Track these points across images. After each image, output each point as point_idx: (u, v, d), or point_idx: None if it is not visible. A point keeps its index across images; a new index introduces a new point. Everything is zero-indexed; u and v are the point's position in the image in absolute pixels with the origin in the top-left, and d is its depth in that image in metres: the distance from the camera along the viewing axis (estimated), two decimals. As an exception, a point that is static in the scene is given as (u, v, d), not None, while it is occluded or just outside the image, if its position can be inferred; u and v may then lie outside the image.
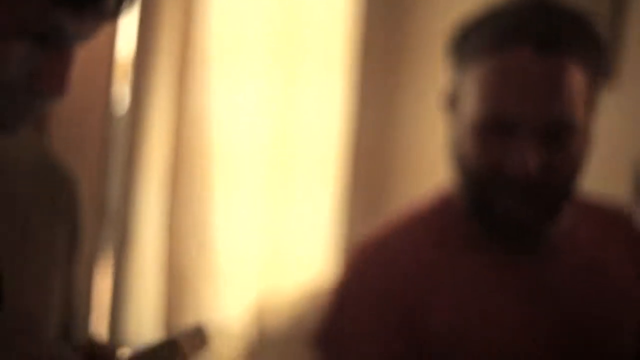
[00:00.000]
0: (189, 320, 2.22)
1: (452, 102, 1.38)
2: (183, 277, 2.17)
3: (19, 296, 1.14)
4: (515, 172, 1.25)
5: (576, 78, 1.28)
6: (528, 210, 1.27)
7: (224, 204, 2.32)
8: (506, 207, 1.27)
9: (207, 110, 2.14)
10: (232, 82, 2.30)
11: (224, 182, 2.32)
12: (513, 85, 1.27)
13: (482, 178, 1.29)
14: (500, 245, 1.34)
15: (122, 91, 2.03)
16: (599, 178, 2.84)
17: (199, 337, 1.05)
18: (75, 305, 1.32)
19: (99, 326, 2.05)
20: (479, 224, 1.32)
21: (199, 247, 2.19)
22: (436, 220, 1.37)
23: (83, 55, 1.83)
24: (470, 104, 1.31)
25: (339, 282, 1.34)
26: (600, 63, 1.31)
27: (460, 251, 1.34)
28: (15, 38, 0.99)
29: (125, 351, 1.11)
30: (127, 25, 2.01)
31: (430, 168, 3.16)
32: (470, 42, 1.35)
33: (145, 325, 2.08)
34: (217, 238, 2.26)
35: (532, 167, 1.24)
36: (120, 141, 2.06)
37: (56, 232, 1.23)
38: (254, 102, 2.43)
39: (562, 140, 1.28)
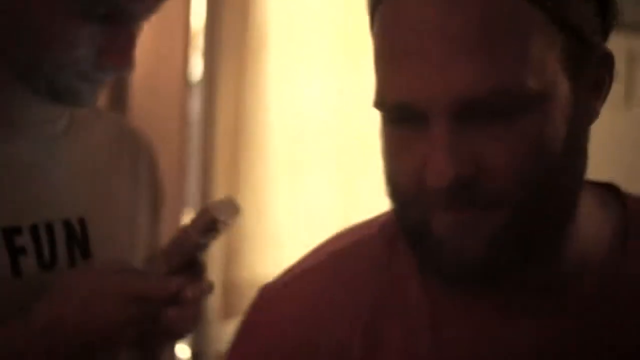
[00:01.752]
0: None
1: None
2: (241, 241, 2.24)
3: (104, 245, 1.25)
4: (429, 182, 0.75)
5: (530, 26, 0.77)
6: (474, 240, 0.77)
7: (285, 180, 2.36)
8: (439, 236, 0.78)
9: (269, 88, 2.21)
10: (292, 62, 2.34)
11: (285, 159, 2.37)
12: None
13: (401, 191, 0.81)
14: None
15: (196, 59, 2.10)
16: None
17: (230, 205, 1.11)
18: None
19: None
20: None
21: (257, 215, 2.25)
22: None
23: (159, 26, 1.90)
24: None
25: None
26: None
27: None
28: (82, 19, 1.09)
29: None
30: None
31: None
32: None
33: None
34: (275, 208, 2.31)
35: (445, 170, 0.74)
36: (196, 107, 2.15)
37: (138, 194, 1.36)
38: (315, 83, 2.46)
39: (509, 118, 0.75)
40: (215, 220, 1.09)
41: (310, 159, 2.50)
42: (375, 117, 0.86)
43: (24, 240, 1.16)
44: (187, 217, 2.15)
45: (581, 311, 0.82)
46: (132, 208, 1.34)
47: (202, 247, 1.12)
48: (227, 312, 2.21)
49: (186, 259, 1.11)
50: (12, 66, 1.15)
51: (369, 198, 2.76)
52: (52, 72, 1.12)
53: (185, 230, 1.12)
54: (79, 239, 1.22)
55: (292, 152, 2.43)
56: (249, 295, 2.20)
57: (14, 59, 1.14)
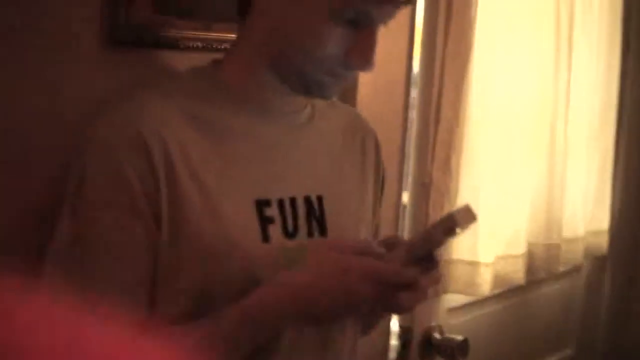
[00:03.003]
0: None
1: None
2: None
3: (337, 222, 1.42)
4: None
5: None
6: None
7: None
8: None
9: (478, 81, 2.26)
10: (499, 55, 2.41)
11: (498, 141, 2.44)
12: None
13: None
14: None
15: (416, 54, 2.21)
16: None
17: (469, 213, 1.28)
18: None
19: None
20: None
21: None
22: None
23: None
24: None
25: None
26: None
27: None
28: (333, 23, 1.26)
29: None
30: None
31: None
32: None
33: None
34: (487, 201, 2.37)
35: None
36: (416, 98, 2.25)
37: (366, 174, 1.53)
38: (524, 75, 2.52)
39: None
40: (456, 225, 1.25)
41: (519, 152, 2.57)
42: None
43: (272, 211, 1.31)
44: (404, 198, 2.29)
45: None
46: (361, 187, 1.49)
47: (441, 245, 1.29)
48: (434, 290, 2.31)
49: (425, 254, 1.27)
50: (270, 61, 1.32)
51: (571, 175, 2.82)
52: (304, 67, 1.28)
53: (430, 230, 1.30)
54: (316, 213, 1.37)
55: (504, 145, 2.50)
56: (455, 274, 2.31)
57: (272, 55, 1.31)
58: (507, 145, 2.53)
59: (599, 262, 3.20)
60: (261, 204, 1.30)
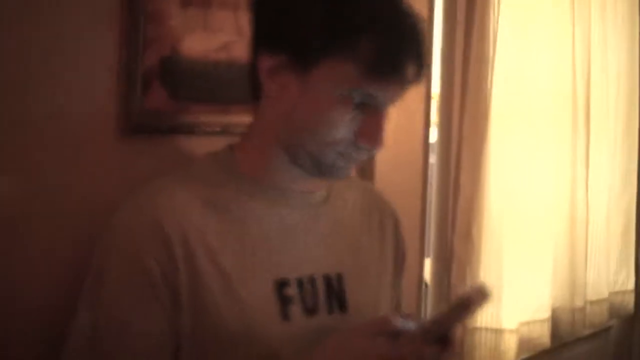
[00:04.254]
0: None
1: None
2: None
3: (357, 299, 1.42)
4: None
5: None
6: None
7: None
8: None
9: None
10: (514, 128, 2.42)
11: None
12: None
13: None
14: None
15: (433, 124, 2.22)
16: None
17: (483, 291, 1.28)
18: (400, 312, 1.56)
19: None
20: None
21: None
22: None
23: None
24: None
25: None
26: None
27: None
28: (341, 107, 1.27)
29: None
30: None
31: None
32: None
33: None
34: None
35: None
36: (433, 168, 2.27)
37: (384, 251, 1.52)
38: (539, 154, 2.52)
39: None
40: (472, 304, 1.26)
41: (540, 217, 2.56)
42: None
43: (292, 291, 1.32)
44: (426, 270, 2.28)
45: None
46: (380, 264, 1.50)
47: (456, 324, 1.29)
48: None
49: (441, 333, 1.27)
50: (282, 145, 1.33)
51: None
52: (315, 150, 1.29)
53: (445, 310, 1.30)
54: (336, 291, 1.38)
55: (525, 210, 2.50)
56: (480, 342, 2.28)
57: (284, 139, 1.32)
58: (528, 211, 2.52)
59: (627, 323, 3.15)
60: (280, 284, 1.32)
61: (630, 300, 3.07)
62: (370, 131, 1.29)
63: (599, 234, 2.84)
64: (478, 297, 1.28)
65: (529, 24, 2.45)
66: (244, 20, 1.55)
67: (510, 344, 2.45)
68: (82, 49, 1.43)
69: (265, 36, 1.32)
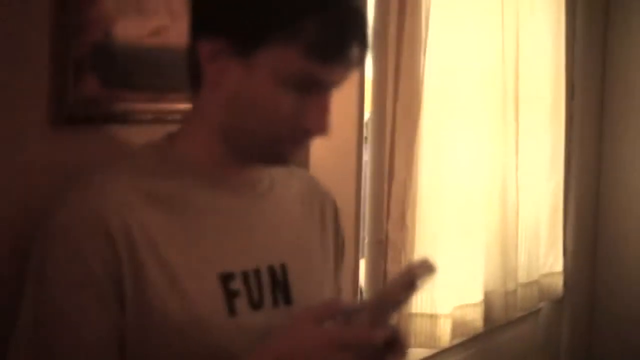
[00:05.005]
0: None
1: None
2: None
3: (302, 290, 1.40)
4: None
5: None
6: None
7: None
8: None
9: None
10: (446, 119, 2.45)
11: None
12: None
13: None
14: None
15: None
16: None
17: (427, 265, 1.28)
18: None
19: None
20: None
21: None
22: None
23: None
24: None
25: None
26: None
27: None
28: (284, 90, 1.25)
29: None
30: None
31: None
32: None
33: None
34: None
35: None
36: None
37: (326, 241, 1.51)
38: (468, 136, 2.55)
39: None
40: (415, 279, 1.25)
41: (472, 204, 2.59)
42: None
43: (237, 284, 1.30)
44: (361, 261, 2.27)
45: None
46: (322, 253, 1.48)
47: (403, 301, 1.28)
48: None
49: (388, 312, 1.26)
50: (225, 133, 1.30)
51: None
52: (259, 136, 1.27)
53: (390, 287, 1.30)
54: (281, 284, 1.36)
55: (458, 197, 2.53)
56: (415, 328, 2.29)
57: (227, 126, 1.29)
58: (461, 196, 2.55)
59: (556, 304, 3.21)
60: (225, 278, 1.30)
61: (559, 282, 3.12)
62: (316, 115, 1.27)
63: (529, 219, 2.88)
64: (423, 270, 1.27)
65: (461, 12, 2.47)
66: (178, 2, 1.52)
67: (444, 328, 2.47)
68: (9, 35, 1.37)
69: (204, 19, 1.28)
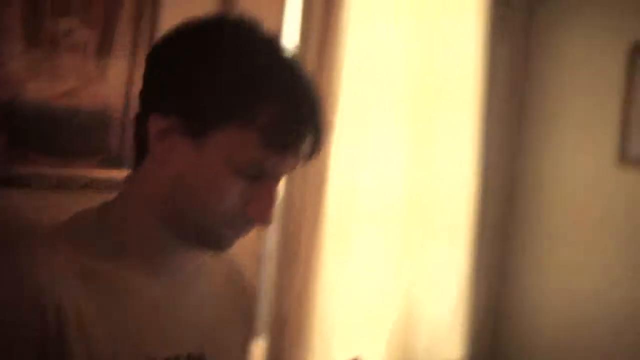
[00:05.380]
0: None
1: None
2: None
3: None
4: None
5: None
6: None
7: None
8: None
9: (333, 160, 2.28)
10: (362, 127, 2.45)
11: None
12: None
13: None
14: None
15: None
16: None
17: None
18: None
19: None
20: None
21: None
22: None
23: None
24: None
25: None
26: None
27: None
28: (235, 177, 1.20)
29: None
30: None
31: (551, 225, 3.23)
32: None
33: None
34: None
35: None
36: None
37: (238, 326, 1.46)
38: (383, 148, 2.55)
39: None
40: None
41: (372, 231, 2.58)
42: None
43: None
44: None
45: None
46: (240, 342, 1.45)
47: None
48: None
49: None
50: (164, 213, 1.24)
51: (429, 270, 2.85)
52: (202, 220, 1.21)
53: None
54: None
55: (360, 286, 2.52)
56: None
57: (167, 206, 1.23)
58: (363, 277, 2.55)
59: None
60: None
61: (461, 347, 3.12)
62: (260, 205, 1.22)
63: (431, 303, 2.90)
64: None
65: (375, 16, 2.49)
66: (92, 65, 1.46)
67: None
68: None
69: (157, 94, 1.23)
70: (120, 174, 1.35)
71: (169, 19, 1.57)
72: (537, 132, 3.29)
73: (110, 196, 1.27)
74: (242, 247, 1.95)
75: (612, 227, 3.17)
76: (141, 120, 1.23)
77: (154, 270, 1.27)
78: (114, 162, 1.62)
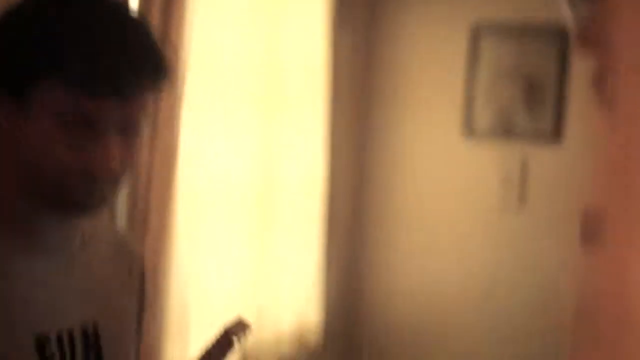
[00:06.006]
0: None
1: None
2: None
3: (113, 352, 1.37)
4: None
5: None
6: None
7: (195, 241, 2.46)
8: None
9: (179, 146, 2.29)
10: (208, 118, 2.49)
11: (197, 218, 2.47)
12: None
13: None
14: None
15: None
16: (551, 225, 3.02)
17: (242, 323, 1.36)
18: None
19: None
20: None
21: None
22: None
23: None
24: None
25: None
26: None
27: None
28: (65, 134, 1.19)
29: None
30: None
31: (403, 204, 3.32)
32: None
33: None
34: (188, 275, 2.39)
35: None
36: None
37: (131, 302, 1.46)
38: (231, 138, 2.60)
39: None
40: (232, 336, 1.33)
41: (223, 217, 2.62)
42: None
43: (52, 348, 1.26)
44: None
45: None
46: (129, 314, 1.45)
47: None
48: None
49: None
50: (25, 188, 1.24)
51: (281, 253, 2.90)
52: (53, 185, 1.22)
53: (208, 350, 1.34)
54: (93, 345, 1.33)
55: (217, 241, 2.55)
56: None
57: (24, 179, 1.24)
58: (219, 242, 2.59)
59: (312, 356, 3.26)
60: (41, 342, 1.25)
61: (315, 333, 3.18)
62: (98, 156, 1.21)
63: (288, 266, 2.94)
64: (238, 329, 1.34)
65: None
66: None
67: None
68: None
69: None
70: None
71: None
72: (385, 113, 3.38)
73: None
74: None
75: (461, 200, 3.28)
76: None
77: (33, 249, 1.28)
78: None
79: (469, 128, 3.21)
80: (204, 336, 2.42)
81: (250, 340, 2.69)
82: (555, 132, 3.13)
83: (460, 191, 3.26)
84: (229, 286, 2.64)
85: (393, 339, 3.36)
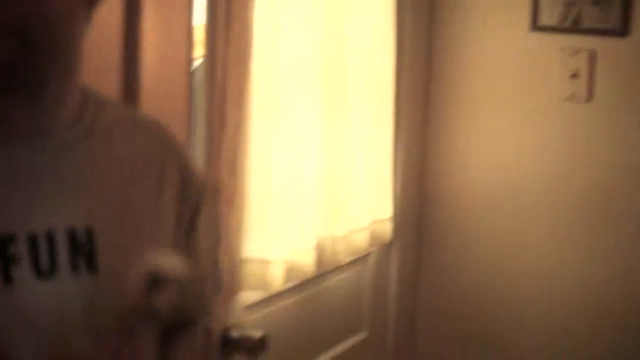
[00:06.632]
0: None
1: None
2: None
3: (113, 257, 1.22)
4: None
5: None
6: None
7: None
8: None
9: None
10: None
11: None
12: None
13: None
14: None
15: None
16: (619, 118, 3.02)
17: (171, 260, 1.24)
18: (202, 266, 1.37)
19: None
20: None
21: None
22: None
23: (163, 23, 2.01)
24: None
25: None
26: None
27: None
28: None
29: None
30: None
31: (473, 99, 3.34)
32: None
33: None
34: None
35: None
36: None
37: (160, 208, 1.30)
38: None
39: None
40: (158, 277, 1.20)
41: (305, 150, 2.65)
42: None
43: (19, 248, 1.14)
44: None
45: None
46: (155, 220, 1.30)
47: (154, 310, 1.22)
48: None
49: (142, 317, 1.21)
50: None
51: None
52: None
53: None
54: (83, 248, 1.19)
55: (290, 144, 2.59)
56: (247, 272, 2.36)
57: None
58: (294, 144, 2.61)
59: (384, 249, 3.33)
60: (4, 241, 1.14)
61: (388, 228, 3.24)
62: None
63: (360, 165, 2.97)
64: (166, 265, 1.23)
65: None
66: None
67: (277, 273, 2.53)
68: None
69: None
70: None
71: None
72: (454, 15, 3.36)
73: None
74: (169, 116, 2.03)
75: (529, 93, 3.29)
76: None
77: (8, 141, 1.18)
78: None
79: (535, 23, 3.21)
80: (283, 231, 2.56)
81: (326, 234, 2.78)
82: (623, 27, 3.11)
83: (529, 85, 3.27)
84: (305, 184, 2.67)
85: (459, 233, 3.42)
